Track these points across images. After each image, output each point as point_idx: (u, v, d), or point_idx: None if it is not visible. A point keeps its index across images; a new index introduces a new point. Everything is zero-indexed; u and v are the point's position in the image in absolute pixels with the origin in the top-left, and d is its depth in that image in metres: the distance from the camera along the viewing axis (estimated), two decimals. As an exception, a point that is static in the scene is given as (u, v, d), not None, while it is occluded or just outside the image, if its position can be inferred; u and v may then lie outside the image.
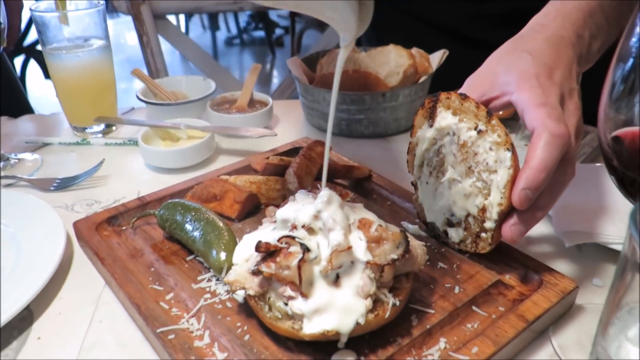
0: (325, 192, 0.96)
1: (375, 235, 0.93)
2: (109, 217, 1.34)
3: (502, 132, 1.02)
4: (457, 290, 1.09)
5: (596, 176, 1.47)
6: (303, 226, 0.94)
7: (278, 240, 0.93)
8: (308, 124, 1.95)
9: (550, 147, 0.96)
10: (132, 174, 1.69)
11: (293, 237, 0.92)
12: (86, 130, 1.90)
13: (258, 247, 0.94)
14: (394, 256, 0.92)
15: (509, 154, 1.01)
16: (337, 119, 1.82)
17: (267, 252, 0.95)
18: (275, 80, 7.90)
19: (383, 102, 1.77)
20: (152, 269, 1.17)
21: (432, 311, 1.03)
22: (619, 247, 1.22)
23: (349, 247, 0.90)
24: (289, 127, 1.96)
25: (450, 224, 1.20)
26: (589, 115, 1.10)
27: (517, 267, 1.14)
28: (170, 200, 1.26)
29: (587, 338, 1.05)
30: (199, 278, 1.13)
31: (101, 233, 1.29)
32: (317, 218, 0.94)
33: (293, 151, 1.63)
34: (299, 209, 0.97)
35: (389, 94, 1.76)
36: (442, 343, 0.97)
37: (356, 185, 1.47)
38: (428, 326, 1.00)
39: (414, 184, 1.26)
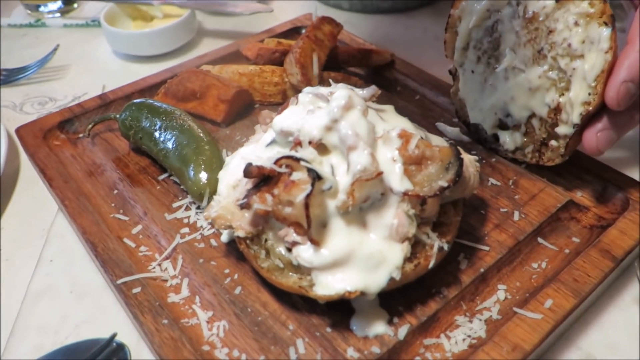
0: (342, 92, 0.66)
1: (416, 155, 0.64)
2: (62, 120, 1.05)
3: None
4: (516, 216, 0.82)
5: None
6: (311, 142, 0.65)
7: (276, 163, 0.65)
8: (312, -6, 1.60)
9: None
10: (97, 63, 1.38)
11: (297, 159, 0.63)
12: (40, 9, 1.56)
13: (248, 172, 0.66)
14: (443, 183, 0.64)
15: (606, 32, 0.70)
16: (348, -11, 1.47)
17: (261, 178, 0.68)
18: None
19: (405, -34, 1.42)
20: (114, 191, 0.91)
21: (486, 248, 0.78)
22: None
23: (379, 174, 0.61)
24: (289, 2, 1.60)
25: (503, 126, 0.91)
26: None
27: (592, 181, 0.88)
28: (133, 101, 0.96)
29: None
30: (175, 205, 0.87)
31: (51, 142, 1.01)
32: (332, 130, 0.65)
33: (294, 32, 1.30)
34: (305, 117, 0.68)
35: (412, -46, 1.40)
36: (501, 292, 0.73)
37: (375, 75, 1.16)
38: (482, 269, 0.75)
39: (453, 73, 0.96)
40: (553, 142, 0.83)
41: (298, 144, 0.66)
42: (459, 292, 0.72)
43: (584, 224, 0.82)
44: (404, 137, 0.65)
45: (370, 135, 0.64)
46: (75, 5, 1.61)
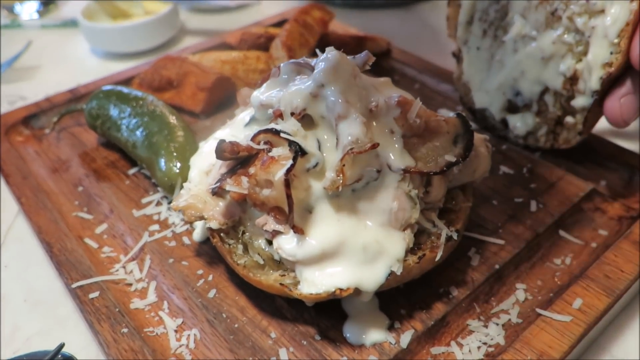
0: (330, 54, 0.56)
1: (417, 125, 0.54)
2: (27, 115, 0.96)
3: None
4: (533, 207, 0.72)
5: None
6: (293, 114, 0.55)
7: (253, 139, 0.55)
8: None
9: None
10: (73, 62, 1.29)
11: (277, 132, 0.53)
12: (15, 9, 1.47)
13: (220, 150, 0.56)
14: (450, 158, 0.54)
15: (633, -21, 0.61)
16: (341, -18, 1.38)
17: (237, 158, 0.58)
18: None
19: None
20: (79, 188, 0.81)
21: (501, 242, 0.68)
22: None
23: (374, 145, 0.51)
24: (278, -2, 1.52)
25: (512, 108, 0.81)
26: None
27: (617, 169, 0.78)
28: (102, 88, 0.86)
29: None
30: (144, 201, 0.76)
31: (13, 138, 0.91)
32: (318, 98, 0.55)
33: (283, 24, 1.21)
34: (288, 88, 0.58)
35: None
36: (520, 292, 0.63)
37: (371, 64, 1.06)
38: (496, 266, 0.65)
39: (457, 55, 0.86)
40: (569, 119, 0.73)
41: (279, 115, 0.56)
42: (471, 292, 0.63)
43: (611, 215, 0.72)
44: (404, 104, 0.55)
45: (363, 102, 0.54)
46: (54, 6, 1.52)
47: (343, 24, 1.19)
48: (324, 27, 1.02)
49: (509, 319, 0.60)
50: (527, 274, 0.65)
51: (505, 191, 0.75)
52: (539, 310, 0.59)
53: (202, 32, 1.37)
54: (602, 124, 0.75)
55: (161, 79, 0.92)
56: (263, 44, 0.98)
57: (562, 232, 0.69)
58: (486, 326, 0.59)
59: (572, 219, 0.71)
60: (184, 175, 0.71)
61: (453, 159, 0.54)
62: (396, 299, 0.61)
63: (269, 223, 0.54)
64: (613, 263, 0.63)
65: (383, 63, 1.05)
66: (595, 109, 0.70)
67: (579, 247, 0.67)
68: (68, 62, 1.29)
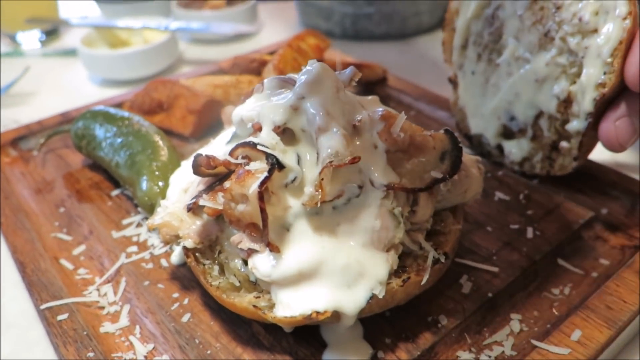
0: (313, 67, 0.54)
1: (402, 139, 0.51)
2: (17, 137, 0.94)
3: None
4: (530, 233, 0.69)
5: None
6: (273, 128, 0.53)
7: (231, 154, 0.53)
8: (301, 24, 1.51)
9: None
10: (70, 88, 1.28)
11: (254, 145, 0.51)
12: (17, 38, 1.47)
13: (197, 164, 0.53)
14: (436, 174, 0.51)
15: (624, -5, 0.59)
16: (340, 15, 1.38)
17: (216, 175, 0.55)
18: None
19: (401, -10, 1.34)
20: (61, 209, 0.78)
21: (495, 269, 0.64)
22: None
23: (355, 159, 0.48)
24: (276, 30, 1.52)
25: (507, 134, 0.79)
26: None
27: (619, 196, 0.75)
28: (90, 109, 0.85)
29: None
30: (124, 222, 0.74)
31: (1, 160, 0.89)
32: (298, 110, 0.52)
33: (279, 51, 1.20)
34: (269, 101, 0.55)
35: (408, -22, 1.32)
36: (515, 323, 0.58)
37: (366, 92, 1.04)
38: (490, 294, 0.61)
39: (453, 80, 0.84)
40: (564, 144, 0.70)
41: (258, 129, 0.54)
42: (461, 321, 0.58)
43: (613, 244, 0.68)
44: (388, 118, 0.52)
45: (346, 117, 0.52)
46: (56, 37, 1.53)
47: (340, 53, 1.18)
48: (319, 54, 1.01)
49: (503, 351, 0.55)
50: (523, 303, 0.60)
51: (500, 217, 0.71)
52: (534, 342, 0.55)
53: (199, 62, 1.36)
54: (603, 153, 0.72)
55: (152, 102, 0.90)
56: (256, 68, 0.96)
57: (560, 261, 0.65)
58: (477, 358, 0.55)
59: (572, 247, 0.67)
60: (164, 194, 0.68)
61: (439, 175, 0.51)
62: (381, 327, 0.57)
63: (244, 241, 0.51)
64: (615, 293, 0.59)
65: (379, 90, 1.03)
66: (590, 133, 0.67)
67: (578, 277, 0.63)
68: (65, 88, 1.29)
